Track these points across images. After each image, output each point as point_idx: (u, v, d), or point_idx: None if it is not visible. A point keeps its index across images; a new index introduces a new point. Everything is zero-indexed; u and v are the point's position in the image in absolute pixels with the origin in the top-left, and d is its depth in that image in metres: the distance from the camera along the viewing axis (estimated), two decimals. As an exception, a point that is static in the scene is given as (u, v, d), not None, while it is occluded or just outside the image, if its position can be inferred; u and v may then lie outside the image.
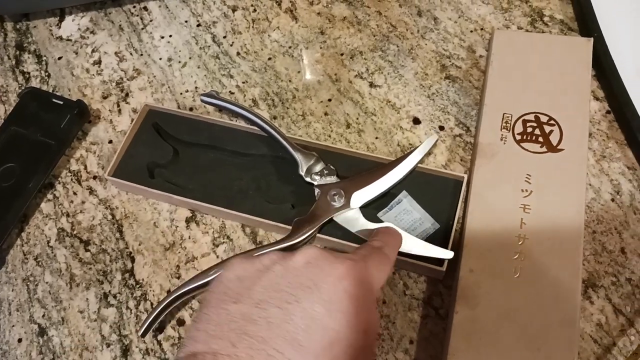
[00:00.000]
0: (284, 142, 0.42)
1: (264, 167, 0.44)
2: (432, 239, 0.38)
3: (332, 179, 0.41)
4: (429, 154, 0.43)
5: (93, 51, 0.54)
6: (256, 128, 0.44)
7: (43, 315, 0.41)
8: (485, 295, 0.36)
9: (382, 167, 0.41)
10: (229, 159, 0.44)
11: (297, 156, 0.42)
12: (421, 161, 0.41)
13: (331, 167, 0.41)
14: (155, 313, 0.37)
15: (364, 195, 0.40)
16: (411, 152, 0.41)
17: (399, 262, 0.39)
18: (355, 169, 0.42)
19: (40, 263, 0.43)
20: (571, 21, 0.48)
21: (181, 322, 0.39)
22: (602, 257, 0.38)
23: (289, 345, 0.24)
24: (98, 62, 0.53)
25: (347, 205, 0.39)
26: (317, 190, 0.41)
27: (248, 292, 0.26)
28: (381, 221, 0.40)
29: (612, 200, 0.40)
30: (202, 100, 0.45)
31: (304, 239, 0.38)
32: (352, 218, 0.39)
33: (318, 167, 0.42)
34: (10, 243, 0.44)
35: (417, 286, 0.39)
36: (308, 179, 0.41)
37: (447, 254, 0.37)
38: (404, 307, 0.38)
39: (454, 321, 0.35)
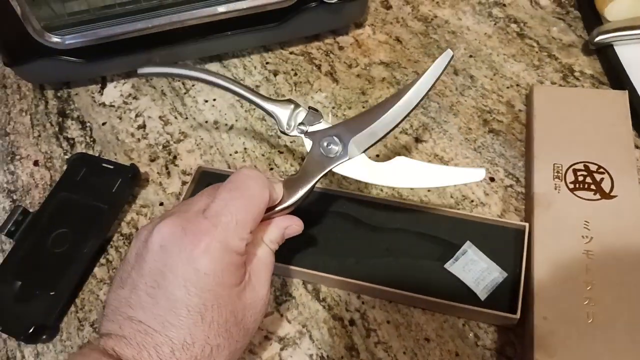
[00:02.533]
0: (254, 97, 0.38)
1: (319, 223, 0.44)
2: (501, 287, 0.39)
3: (322, 125, 0.36)
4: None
5: (137, 116, 0.55)
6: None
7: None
8: (561, 343, 0.36)
9: (383, 102, 0.35)
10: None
11: (272, 108, 0.36)
12: (474, 209, 0.43)
13: (316, 110, 0.37)
14: None
15: (365, 138, 0.35)
16: (420, 77, 0.35)
17: (470, 312, 0.39)
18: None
19: (96, 329, 0.42)
20: (601, 75, 0.51)
21: (252, 385, 0.39)
22: (667, 299, 0.39)
23: (161, 326, 0.28)
24: (143, 127, 0.55)
25: (344, 153, 0.35)
26: (307, 142, 0.36)
27: (127, 278, 0.31)
28: (450, 274, 0.40)
29: (667, 243, 0.42)
30: (140, 74, 0.41)
31: (298, 200, 0.35)
32: (361, 166, 0.35)
33: (301, 115, 0.37)
34: (64, 310, 0.44)
35: (489, 336, 0.39)
36: (295, 133, 0.36)
37: (479, 173, 0.33)
38: (477, 358, 0.38)
39: (536, 371, 0.35)
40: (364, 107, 0.52)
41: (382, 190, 0.47)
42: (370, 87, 0.54)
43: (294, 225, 0.36)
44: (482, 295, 0.39)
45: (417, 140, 0.49)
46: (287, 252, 0.42)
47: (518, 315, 0.37)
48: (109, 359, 0.28)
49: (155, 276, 0.29)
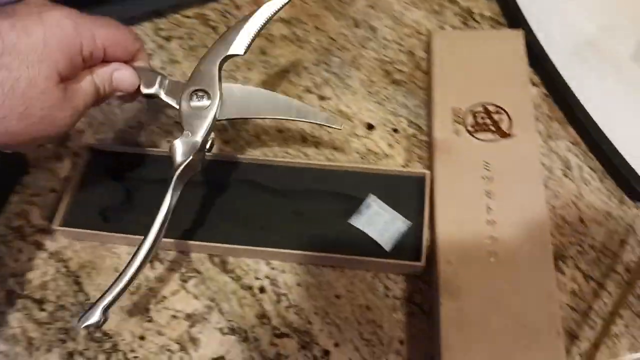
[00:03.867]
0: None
1: (222, 192, 0.42)
2: (406, 236, 0.39)
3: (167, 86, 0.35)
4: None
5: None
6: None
7: (2, 388, 0.37)
8: (466, 285, 0.36)
9: (223, 35, 0.36)
10: (190, 189, 0.43)
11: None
12: (379, 162, 0.42)
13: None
14: None
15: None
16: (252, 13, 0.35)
17: (377, 265, 0.38)
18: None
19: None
20: (499, 16, 0.51)
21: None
22: (565, 229, 0.40)
23: None
24: (29, 109, 0.50)
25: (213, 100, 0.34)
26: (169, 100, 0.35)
27: None
28: (356, 228, 0.39)
29: (565, 175, 0.42)
30: None
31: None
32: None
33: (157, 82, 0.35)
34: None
35: (398, 286, 0.39)
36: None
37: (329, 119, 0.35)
38: (388, 309, 0.38)
39: (441, 315, 0.35)
40: (265, 68, 0.50)
41: (287, 152, 0.45)
42: (271, 45, 0.51)
43: (124, 71, 0.34)
44: (388, 246, 0.38)
45: (321, 97, 0.48)
46: (191, 226, 0.41)
47: (423, 263, 0.37)
48: None
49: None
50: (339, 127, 0.36)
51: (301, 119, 0.36)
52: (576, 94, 0.44)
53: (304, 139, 0.46)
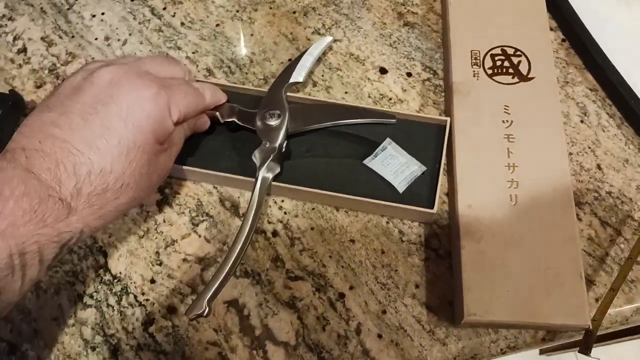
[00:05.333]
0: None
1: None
2: (421, 182, 0.38)
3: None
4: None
5: (15, 39, 0.48)
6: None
7: (11, 331, 0.36)
8: (487, 228, 0.35)
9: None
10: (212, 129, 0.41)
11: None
12: (393, 107, 0.41)
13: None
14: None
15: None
16: (302, 54, 0.42)
17: (390, 210, 0.38)
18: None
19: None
20: (515, -42, 0.49)
21: (172, 310, 0.36)
22: (582, 175, 0.40)
23: (87, 147, 0.29)
24: (23, 50, 0.48)
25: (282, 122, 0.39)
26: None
27: (58, 104, 0.31)
28: (371, 170, 0.38)
29: (582, 121, 0.42)
30: None
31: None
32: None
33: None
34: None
35: (413, 231, 0.38)
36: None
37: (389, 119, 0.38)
38: (403, 253, 0.37)
39: (462, 257, 0.34)
40: (271, 8, 0.48)
41: (304, 92, 0.43)
42: (277, -14, 0.49)
43: (204, 119, 0.39)
44: (401, 188, 0.37)
45: (334, 39, 0.46)
46: (205, 156, 0.40)
47: (435, 210, 0.36)
48: (26, 174, 0.28)
49: (95, 104, 0.31)
50: (393, 121, 0.38)
51: (358, 120, 0.39)
52: (595, 38, 0.42)
53: (315, 83, 0.44)
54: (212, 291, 0.32)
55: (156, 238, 0.39)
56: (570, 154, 0.40)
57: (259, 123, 0.39)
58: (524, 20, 0.43)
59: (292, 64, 0.42)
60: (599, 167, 0.40)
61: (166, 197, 0.40)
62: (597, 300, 0.36)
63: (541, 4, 0.44)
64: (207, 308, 0.32)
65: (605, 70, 0.42)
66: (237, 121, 0.39)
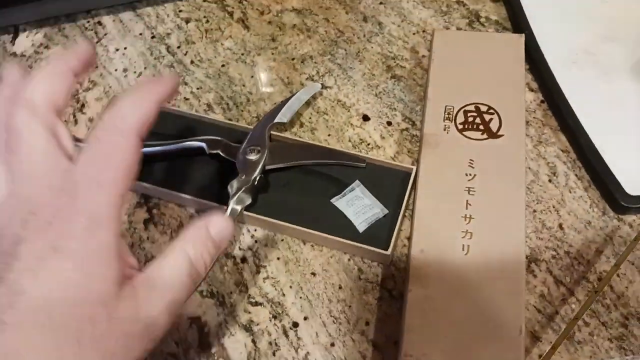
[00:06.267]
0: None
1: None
2: (381, 224, 0.40)
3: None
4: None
5: (47, 65, 0.54)
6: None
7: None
8: (436, 274, 0.37)
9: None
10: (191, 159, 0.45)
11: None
12: (370, 152, 0.43)
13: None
14: None
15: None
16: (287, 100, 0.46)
17: (349, 247, 0.40)
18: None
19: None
20: (505, 21, 0.52)
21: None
22: (543, 233, 0.41)
23: None
24: (53, 76, 0.54)
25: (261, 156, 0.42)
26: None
27: None
28: (336, 209, 0.41)
29: (550, 181, 0.43)
30: None
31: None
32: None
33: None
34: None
35: (372, 270, 0.40)
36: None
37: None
38: (359, 291, 0.39)
39: (408, 300, 0.36)
40: (273, 54, 0.52)
41: (291, 132, 0.47)
42: (281, 33, 0.53)
43: (220, 221, 0.29)
44: (361, 228, 0.40)
45: (323, 86, 0.50)
46: (189, 182, 0.44)
47: (389, 252, 0.38)
48: None
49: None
50: (363, 165, 0.43)
51: (330, 161, 0.43)
52: (570, 102, 0.44)
53: (302, 124, 0.48)
54: None
55: (138, 253, 0.42)
56: (534, 211, 0.42)
57: (240, 157, 0.42)
58: (503, 80, 0.45)
59: (279, 106, 0.46)
60: (560, 226, 0.41)
61: (153, 217, 0.44)
62: (540, 356, 0.36)
63: (521, 66, 0.46)
64: None
65: (577, 133, 0.43)
66: (221, 153, 0.43)
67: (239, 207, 0.40)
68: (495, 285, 0.36)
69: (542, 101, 0.47)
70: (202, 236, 0.28)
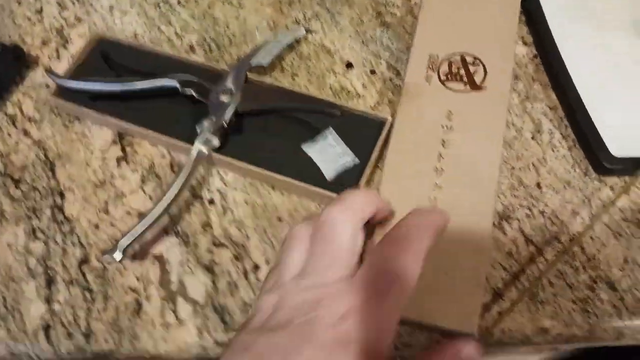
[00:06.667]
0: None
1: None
2: (351, 173, 0.39)
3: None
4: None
5: (36, 0, 0.54)
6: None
7: (-30, 249, 0.41)
8: (400, 224, 0.36)
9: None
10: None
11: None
12: (350, 101, 0.42)
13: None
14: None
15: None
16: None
17: (316, 195, 0.39)
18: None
19: None
20: (504, -31, 0.49)
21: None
22: (519, 191, 0.39)
23: None
24: (40, 11, 0.53)
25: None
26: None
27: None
28: (307, 155, 0.40)
29: (532, 138, 0.41)
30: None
31: None
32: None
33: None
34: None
35: (339, 220, 0.39)
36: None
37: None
38: (325, 239, 0.39)
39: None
40: (261, -4, 0.50)
41: (271, 76, 0.46)
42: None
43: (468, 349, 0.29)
44: (329, 176, 0.39)
45: (308, 30, 0.48)
46: (160, 121, 0.43)
47: None
48: None
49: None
50: (337, 113, 0.41)
51: (304, 105, 0.42)
52: (562, 56, 0.42)
53: (282, 69, 0.46)
54: (130, 240, 0.35)
55: (108, 190, 0.43)
56: (513, 167, 0.40)
57: (212, 98, 0.42)
58: (494, 32, 0.43)
59: (257, 48, 0.44)
60: (538, 185, 0.40)
61: (126, 155, 0.44)
62: (499, 313, 0.36)
63: (515, 18, 0.44)
64: (121, 254, 0.35)
65: (567, 91, 0.41)
66: (194, 94, 0.42)
67: (205, 147, 0.39)
68: (461, 239, 0.35)
69: (535, 56, 0.45)
70: None
